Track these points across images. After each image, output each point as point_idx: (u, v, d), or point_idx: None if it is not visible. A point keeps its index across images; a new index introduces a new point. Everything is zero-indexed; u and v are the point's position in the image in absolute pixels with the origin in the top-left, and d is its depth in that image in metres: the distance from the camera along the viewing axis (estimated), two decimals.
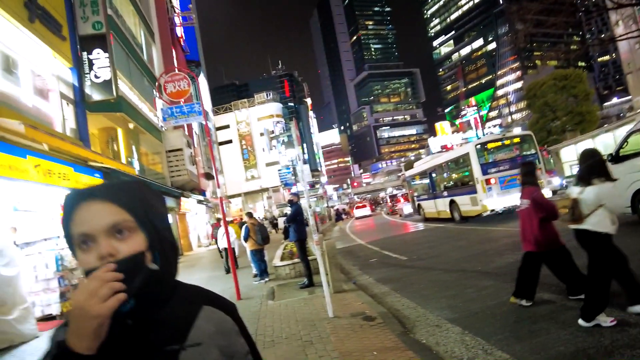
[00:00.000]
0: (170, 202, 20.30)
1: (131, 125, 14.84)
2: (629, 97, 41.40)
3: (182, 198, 22.12)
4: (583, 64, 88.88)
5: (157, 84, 7.78)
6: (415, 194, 21.28)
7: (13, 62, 8.95)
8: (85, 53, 11.78)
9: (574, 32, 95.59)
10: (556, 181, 19.67)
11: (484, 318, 4.49)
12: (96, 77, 11.78)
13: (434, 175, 18.01)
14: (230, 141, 59.25)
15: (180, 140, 22.15)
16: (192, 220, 26.83)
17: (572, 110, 33.51)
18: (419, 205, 20.81)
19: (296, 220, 7.62)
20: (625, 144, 7.96)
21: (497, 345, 3.71)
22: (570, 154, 22.91)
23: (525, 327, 3.99)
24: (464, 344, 3.93)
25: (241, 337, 0.83)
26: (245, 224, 9.47)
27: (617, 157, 7.97)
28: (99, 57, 11.85)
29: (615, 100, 67.12)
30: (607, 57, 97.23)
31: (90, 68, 11.76)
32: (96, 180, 10.23)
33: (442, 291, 5.97)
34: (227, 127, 60.12)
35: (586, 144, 22.04)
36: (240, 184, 56.33)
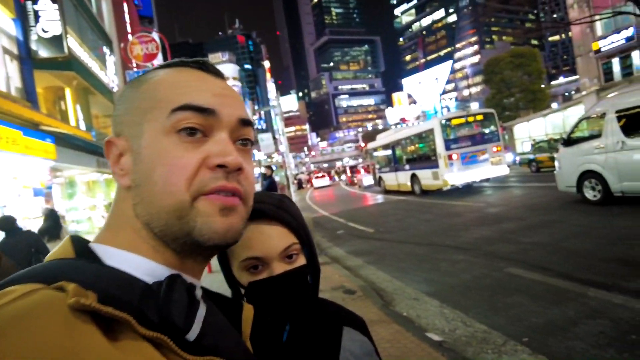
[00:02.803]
0: None
1: (80, 85, 13.75)
2: (576, 78, 43.82)
3: None
4: (536, 42, 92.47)
5: (122, 44, 7.19)
6: (377, 166, 21.68)
7: None
8: (30, 3, 10.61)
9: (529, 10, 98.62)
10: (509, 157, 20.75)
11: (460, 292, 4.75)
12: (44, 31, 10.70)
13: (397, 148, 18.38)
14: None
15: None
16: None
17: (526, 88, 35.10)
18: (380, 177, 21.27)
19: None
20: (576, 128, 8.47)
21: (476, 318, 3.95)
22: (522, 131, 24.20)
23: (500, 300, 4.28)
24: (443, 317, 4.15)
25: (377, 356, 0.84)
26: None
27: (569, 141, 8.48)
28: (47, 8, 10.73)
29: (561, 79, 70.84)
30: (557, 37, 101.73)
31: (37, 20, 10.64)
32: (48, 145, 9.51)
33: (416, 264, 6.23)
34: None
35: (538, 122, 23.34)
36: None
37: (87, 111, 14.61)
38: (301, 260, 0.77)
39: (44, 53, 10.83)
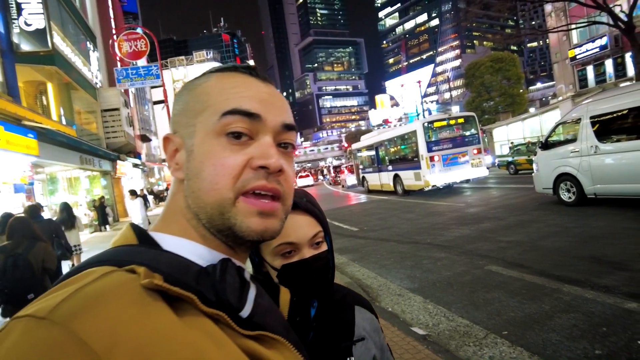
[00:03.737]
0: (106, 165, 19.08)
1: (63, 80, 13.49)
2: (552, 83, 45.13)
3: (119, 161, 20.83)
4: (515, 47, 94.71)
5: (111, 41, 7.15)
6: (361, 166, 21.90)
7: None
8: None
9: (510, 16, 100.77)
10: (489, 159, 21.28)
11: (442, 288, 4.93)
12: (27, 24, 10.50)
13: (380, 149, 18.62)
14: (164, 100, 55.87)
15: (117, 99, 20.52)
16: (128, 184, 25.51)
17: (505, 92, 35.95)
18: (363, 177, 21.49)
19: None
20: (553, 133, 8.82)
21: (457, 313, 4.12)
22: (501, 134, 24.80)
23: (480, 296, 4.47)
24: (427, 312, 4.31)
25: (382, 332, 0.95)
26: None
27: (546, 144, 8.82)
28: (30, 1, 10.52)
29: (539, 84, 72.76)
30: (535, 44, 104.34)
31: (19, 13, 10.43)
32: (30, 141, 9.35)
33: (399, 262, 6.39)
34: (161, 85, 56.42)
35: (516, 125, 23.98)
36: None
37: (70, 107, 14.35)
38: (324, 247, 0.87)
39: (26, 47, 10.64)
